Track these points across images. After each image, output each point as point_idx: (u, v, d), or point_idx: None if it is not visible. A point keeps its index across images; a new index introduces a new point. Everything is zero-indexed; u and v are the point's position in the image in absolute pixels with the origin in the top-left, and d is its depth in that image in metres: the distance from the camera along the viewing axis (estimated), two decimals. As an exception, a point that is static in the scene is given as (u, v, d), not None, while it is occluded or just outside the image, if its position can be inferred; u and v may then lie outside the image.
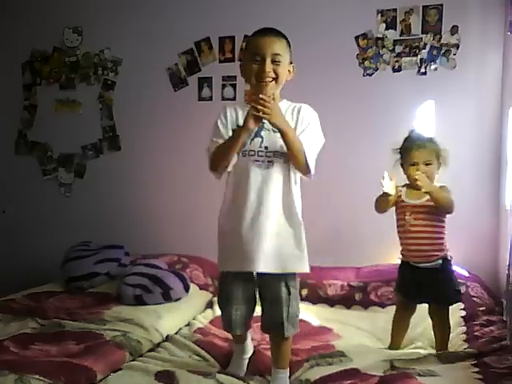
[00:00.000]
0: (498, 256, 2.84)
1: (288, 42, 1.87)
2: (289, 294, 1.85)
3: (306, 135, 1.85)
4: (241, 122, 1.82)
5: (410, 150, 2.14)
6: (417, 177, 2.04)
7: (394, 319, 2.27)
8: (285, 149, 1.80)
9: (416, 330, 2.34)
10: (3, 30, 3.73)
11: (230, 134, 1.84)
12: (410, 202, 2.15)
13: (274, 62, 1.81)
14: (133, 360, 2.07)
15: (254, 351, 2.13)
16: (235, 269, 1.87)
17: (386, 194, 2.13)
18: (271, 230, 1.82)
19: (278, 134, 1.78)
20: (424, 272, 2.12)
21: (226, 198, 1.91)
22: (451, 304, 2.17)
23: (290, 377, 1.93)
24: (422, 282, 2.12)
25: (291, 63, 1.89)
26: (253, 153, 1.83)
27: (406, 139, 2.20)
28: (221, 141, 1.84)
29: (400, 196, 2.18)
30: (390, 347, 2.25)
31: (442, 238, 2.14)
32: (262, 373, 2.00)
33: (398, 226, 2.20)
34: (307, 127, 1.86)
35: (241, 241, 1.81)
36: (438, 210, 2.09)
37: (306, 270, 1.88)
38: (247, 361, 2.08)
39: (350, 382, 1.81)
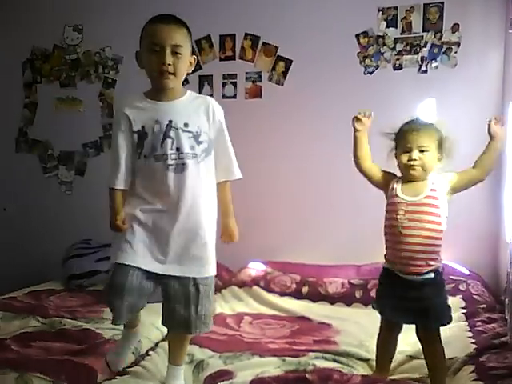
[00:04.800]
0: (498, 254, 2.84)
1: (189, 31, 1.70)
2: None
3: (224, 138, 1.76)
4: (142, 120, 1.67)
5: (404, 134, 1.85)
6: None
7: (378, 339, 1.93)
8: (196, 149, 1.66)
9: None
10: (4, 28, 3.73)
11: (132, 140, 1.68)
12: (406, 198, 1.82)
13: (174, 53, 1.65)
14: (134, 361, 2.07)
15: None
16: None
17: (356, 119, 1.99)
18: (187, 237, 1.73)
19: (188, 134, 1.65)
20: (411, 285, 1.79)
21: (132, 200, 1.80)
22: (441, 325, 1.82)
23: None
24: (408, 298, 1.79)
25: (193, 54, 1.73)
26: (166, 156, 1.67)
27: (403, 125, 1.91)
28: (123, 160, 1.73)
29: (393, 189, 1.88)
30: (376, 373, 1.91)
31: (439, 246, 1.80)
32: None
33: (386, 226, 1.88)
34: (221, 128, 1.75)
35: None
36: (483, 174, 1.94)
37: (209, 273, 1.77)
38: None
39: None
